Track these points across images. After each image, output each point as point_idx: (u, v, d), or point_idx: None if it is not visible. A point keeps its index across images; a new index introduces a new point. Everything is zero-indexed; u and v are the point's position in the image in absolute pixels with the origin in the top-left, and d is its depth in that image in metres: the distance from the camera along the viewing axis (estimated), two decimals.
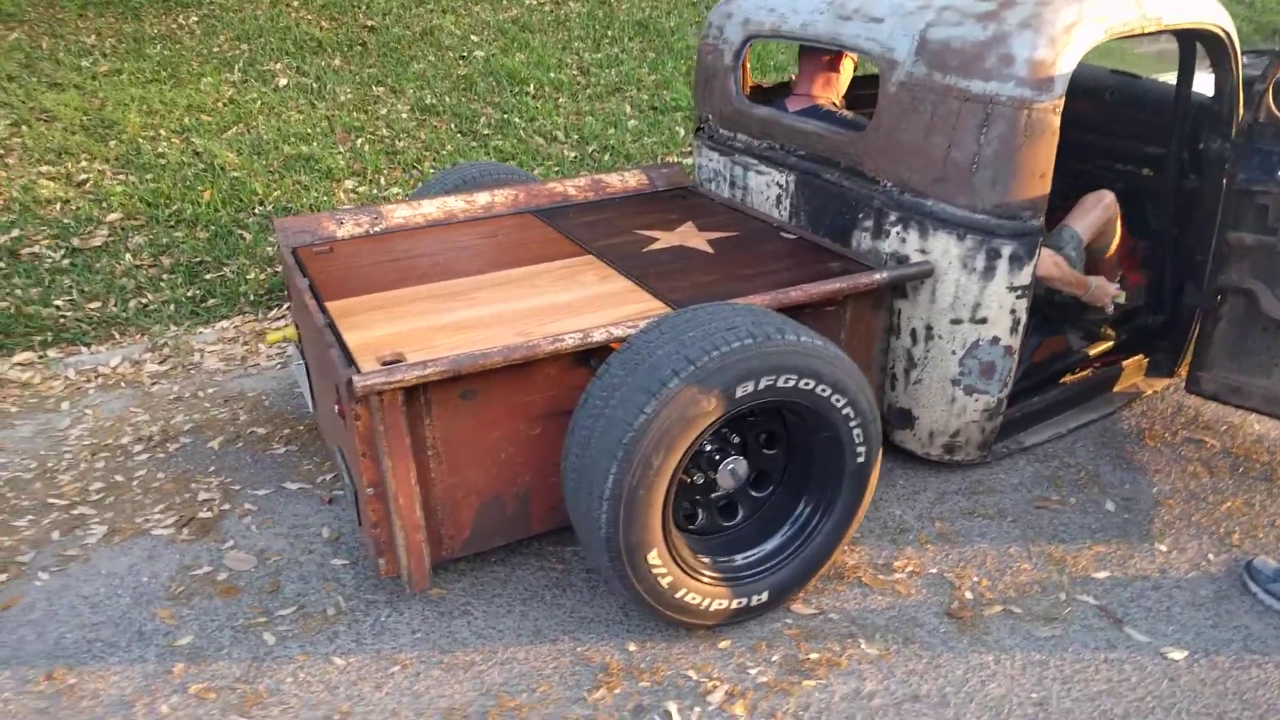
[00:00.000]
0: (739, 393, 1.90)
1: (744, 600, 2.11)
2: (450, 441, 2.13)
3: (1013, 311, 2.47)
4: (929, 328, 2.54)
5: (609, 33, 6.87)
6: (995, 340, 2.49)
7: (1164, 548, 2.39)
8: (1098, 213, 2.83)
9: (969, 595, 2.25)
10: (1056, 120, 2.30)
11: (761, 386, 1.92)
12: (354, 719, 1.94)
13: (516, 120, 5.51)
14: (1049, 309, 2.95)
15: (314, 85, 5.74)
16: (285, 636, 2.17)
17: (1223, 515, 2.52)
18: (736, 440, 2.18)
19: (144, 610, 2.26)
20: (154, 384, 3.44)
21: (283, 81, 5.78)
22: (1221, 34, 2.59)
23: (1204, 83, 2.88)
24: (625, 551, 1.93)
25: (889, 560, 2.37)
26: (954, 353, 2.52)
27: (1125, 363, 3.08)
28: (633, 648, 2.11)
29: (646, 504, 1.90)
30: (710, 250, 2.77)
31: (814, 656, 2.06)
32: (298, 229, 2.94)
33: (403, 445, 2.02)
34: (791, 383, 1.95)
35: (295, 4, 6.91)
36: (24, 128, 4.99)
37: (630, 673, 2.04)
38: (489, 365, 2.00)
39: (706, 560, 2.12)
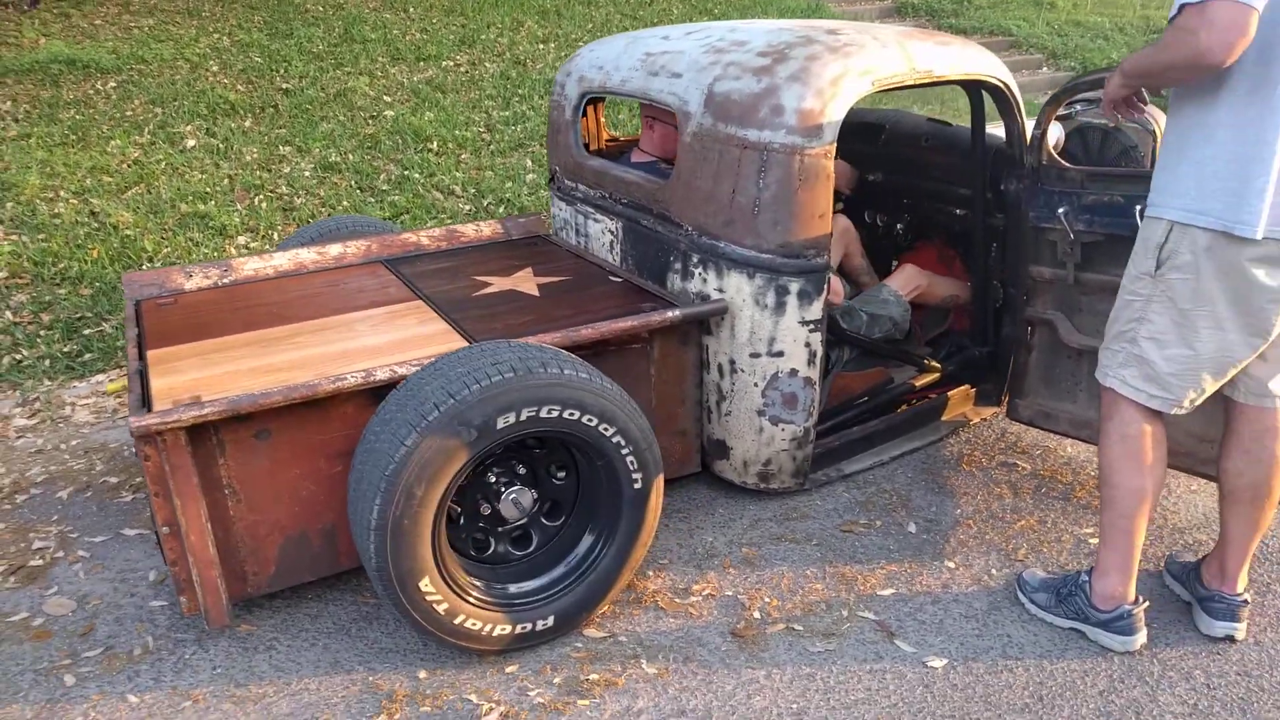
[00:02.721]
0: (500, 424, 2.00)
1: (527, 625, 2.19)
2: (247, 480, 2.21)
3: (807, 344, 2.60)
4: (732, 362, 2.67)
5: (520, 91, 7.09)
6: (794, 372, 2.62)
7: (952, 565, 2.51)
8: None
9: (756, 615, 2.34)
10: (829, 165, 2.46)
11: (523, 418, 2.03)
12: None
13: (415, 176, 5.67)
14: (865, 342, 3.10)
15: (220, 146, 5.88)
16: (86, 677, 2.22)
17: (1015, 533, 2.64)
18: (523, 471, 2.28)
19: None
20: (19, 438, 3.49)
21: (190, 143, 5.91)
22: (1000, 84, 2.78)
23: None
24: (396, 579, 2.01)
25: (689, 584, 2.47)
26: (756, 385, 2.65)
27: (951, 393, 3.22)
28: (423, 675, 2.18)
29: (413, 534, 1.99)
30: (537, 294, 2.89)
31: (594, 677, 2.14)
32: (145, 283, 3.04)
33: (191, 484, 2.10)
34: (555, 413, 2.06)
35: (215, 68, 7.09)
36: None
37: (414, 698, 2.11)
38: (269, 405, 2.09)
39: (482, 586, 2.20)
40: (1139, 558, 2.15)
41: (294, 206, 5.28)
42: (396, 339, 2.55)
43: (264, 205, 5.24)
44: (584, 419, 2.10)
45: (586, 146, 3.67)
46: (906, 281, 3.16)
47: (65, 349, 4.01)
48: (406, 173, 5.71)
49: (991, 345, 3.32)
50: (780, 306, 2.55)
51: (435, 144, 6.09)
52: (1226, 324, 1.89)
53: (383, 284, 3.04)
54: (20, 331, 4.07)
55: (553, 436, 2.16)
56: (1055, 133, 3.34)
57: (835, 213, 3.44)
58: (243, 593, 2.30)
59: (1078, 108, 3.77)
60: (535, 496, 2.27)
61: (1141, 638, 2.16)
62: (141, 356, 2.48)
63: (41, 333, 4.08)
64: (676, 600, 2.41)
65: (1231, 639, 2.17)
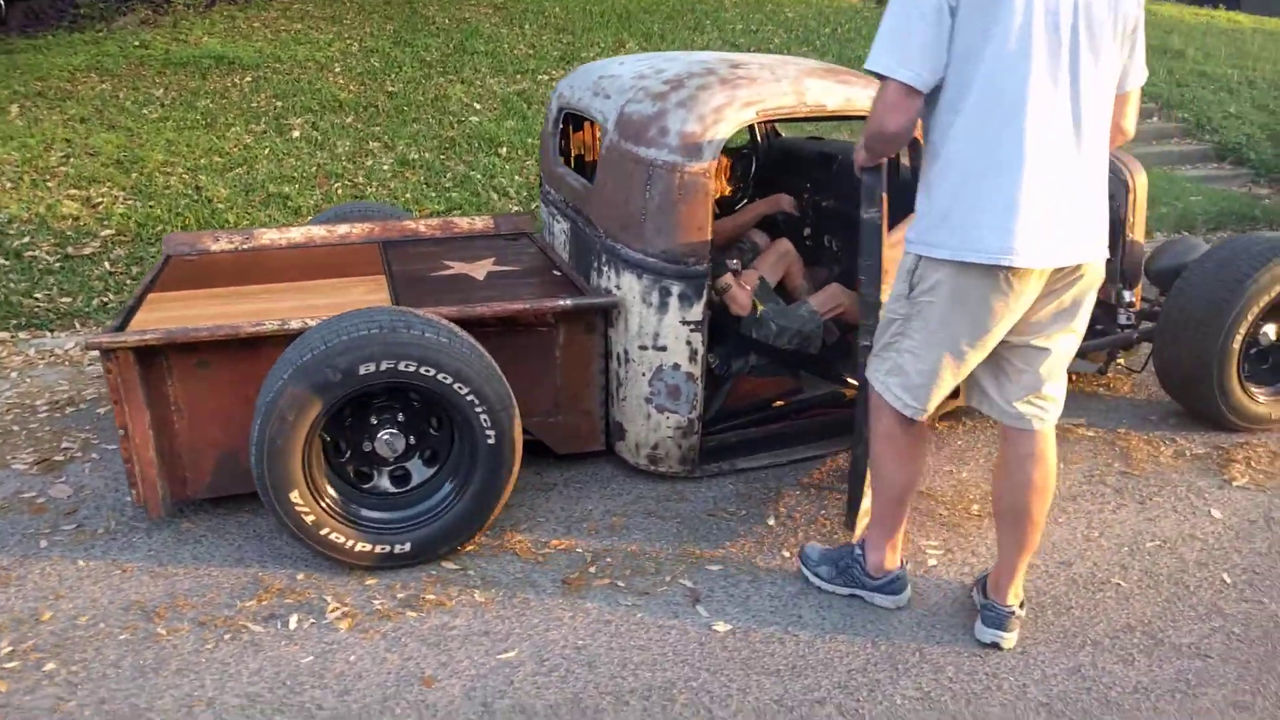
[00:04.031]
0: (362, 370, 2.43)
1: (387, 547, 2.60)
2: (190, 401, 2.73)
3: (689, 342, 2.90)
4: (626, 352, 2.99)
5: None
6: (676, 366, 2.93)
7: (787, 554, 2.75)
8: (772, 258, 3.31)
9: (592, 570, 2.66)
10: (708, 183, 2.77)
11: (383, 368, 2.44)
12: (62, 600, 2.52)
13: (477, 176, 6.22)
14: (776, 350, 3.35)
15: (320, 138, 6.63)
16: (55, 544, 2.78)
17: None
18: (403, 420, 2.69)
19: None
20: (89, 364, 4.20)
21: (296, 133, 6.69)
22: None
23: None
24: (272, 488, 2.46)
25: (550, 540, 2.81)
26: (644, 375, 2.97)
27: None
28: (300, 576, 2.62)
29: (285, 452, 2.43)
30: (480, 279, 3.31)
31: (430, 597, 2.53)
32: (181, 242, 3.66)
33: (137, 397, 2.63)
34: (412, 368, 2.46)
35: (336, 69, 7.92)
36: (72, 159, 6.02)
37: (284, 592, 2.55)
38: (199, 339, 2.59)
39: (355, 508, 2.61)
40: (902, 533, 2.47)
41: (365, 195, 5.92)
42: (340, 301, 3.02)
43: (340, 191, 5.91)
44: (439, 375, 2.49)
45: (580, 158, 4.08)
46: (827, 300, 3.38)
47: None
48: (470, 172, 6.28)
49: None
50: (664, 306, 2.87)
51: (505, 149, 6.64)
52: (962, 340, 2.10)
53: (363, 260, 3.54)
54: (113, 280, 4.84)
55: (414, 389, 2.56)
56: None
57: (778, 237, 3.70)
58: (183, 494, 2.81)
59: None
60: (410, 442, 2.68)
61: (908, 594, 2.49)
62: (142, 298, 3.05)
63: (128, 282, 4.83)
64: (532, 550, 2.76)
65: (998, 646, 2.33)
